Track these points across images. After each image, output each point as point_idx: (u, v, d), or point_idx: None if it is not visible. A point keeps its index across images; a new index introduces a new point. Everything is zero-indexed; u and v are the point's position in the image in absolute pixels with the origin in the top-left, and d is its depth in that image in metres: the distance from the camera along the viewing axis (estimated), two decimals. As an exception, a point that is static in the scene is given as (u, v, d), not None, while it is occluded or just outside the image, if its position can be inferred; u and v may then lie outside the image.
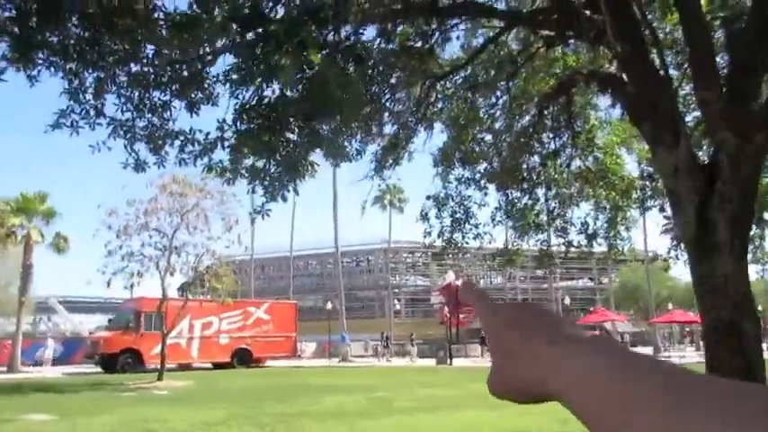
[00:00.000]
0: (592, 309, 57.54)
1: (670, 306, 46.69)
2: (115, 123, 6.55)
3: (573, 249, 10.49)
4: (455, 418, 11.24)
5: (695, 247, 5.05)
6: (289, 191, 5.49)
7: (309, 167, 5.37)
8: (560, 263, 20.08)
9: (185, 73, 6.77)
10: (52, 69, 5.91)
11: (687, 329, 55.71)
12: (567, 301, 43.52)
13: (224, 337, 29.15)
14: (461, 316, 37.12)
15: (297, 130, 5.32)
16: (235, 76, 5.46)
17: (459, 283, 37.63)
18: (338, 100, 4.70)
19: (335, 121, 5.18)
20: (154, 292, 26.03)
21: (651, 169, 9.51)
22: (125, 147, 6.60)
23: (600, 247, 10.47)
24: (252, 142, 5.14)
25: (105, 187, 75.43)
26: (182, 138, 6.74)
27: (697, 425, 0.31)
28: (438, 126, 9.99)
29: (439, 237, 9.62)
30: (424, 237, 9.78)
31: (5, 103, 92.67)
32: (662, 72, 5.65)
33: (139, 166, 6.49)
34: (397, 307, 53.59)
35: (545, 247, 10.47)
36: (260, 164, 5.54)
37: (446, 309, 37.82)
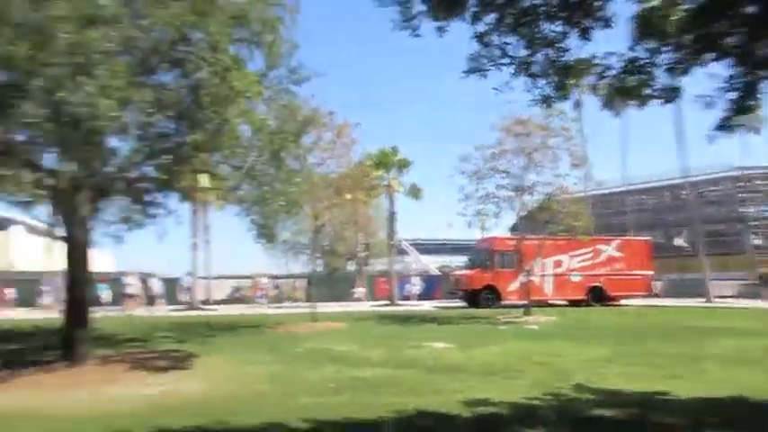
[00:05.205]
0: None
1: None
2: (516, 62, 6.56)
3: None
4: None
5: None
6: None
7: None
8: None
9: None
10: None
11: None
12: None
13: (576, 274, 29.36)
14: None
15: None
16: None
17: None
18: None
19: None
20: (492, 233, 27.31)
21: None
22: (527, 85, 6.59)
23: None
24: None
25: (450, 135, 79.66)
26: (581, 66, 6.47)
27: None
28: None
29: None
30: None
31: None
32: None
33: (546, 101, 6.42)
34: (758, 242, 46.29)
35: None
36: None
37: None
